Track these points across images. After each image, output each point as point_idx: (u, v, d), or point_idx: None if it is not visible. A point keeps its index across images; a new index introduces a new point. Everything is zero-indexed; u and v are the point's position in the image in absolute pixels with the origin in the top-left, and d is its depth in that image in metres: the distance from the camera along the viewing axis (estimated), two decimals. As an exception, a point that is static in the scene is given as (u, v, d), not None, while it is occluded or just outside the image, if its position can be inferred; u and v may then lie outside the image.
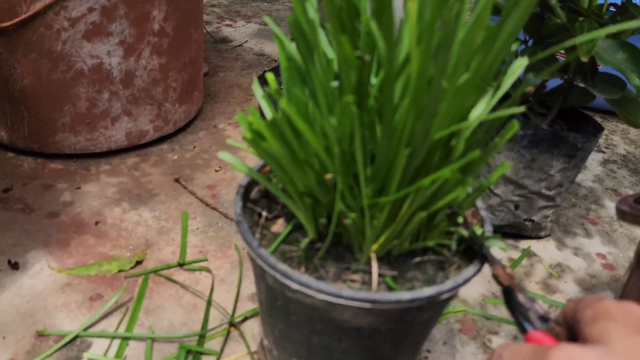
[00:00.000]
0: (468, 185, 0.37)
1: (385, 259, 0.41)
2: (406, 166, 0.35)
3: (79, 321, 0.58)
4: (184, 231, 0.72)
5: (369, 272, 0.40)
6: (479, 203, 0.48)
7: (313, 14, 0.38)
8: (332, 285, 0.37)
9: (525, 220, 0.78)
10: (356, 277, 0.40)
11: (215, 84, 1.16)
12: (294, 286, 0.38)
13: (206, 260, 0.68)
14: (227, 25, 1.53)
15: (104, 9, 0.72)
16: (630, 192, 1.00)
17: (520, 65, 0.39)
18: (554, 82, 0.78)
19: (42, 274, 0.63)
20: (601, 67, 0.72)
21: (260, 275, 0.43)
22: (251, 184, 0.48)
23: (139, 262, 0.66)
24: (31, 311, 0.58)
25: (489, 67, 0.33)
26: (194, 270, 0.66)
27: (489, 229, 0.45)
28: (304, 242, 0.42)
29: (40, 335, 0.56)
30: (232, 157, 0.43)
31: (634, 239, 0.84)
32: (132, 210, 0.75)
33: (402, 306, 0.38)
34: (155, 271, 0.65)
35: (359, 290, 0.38)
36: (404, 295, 0.37)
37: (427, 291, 0.37)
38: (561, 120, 0.80)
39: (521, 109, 0.32)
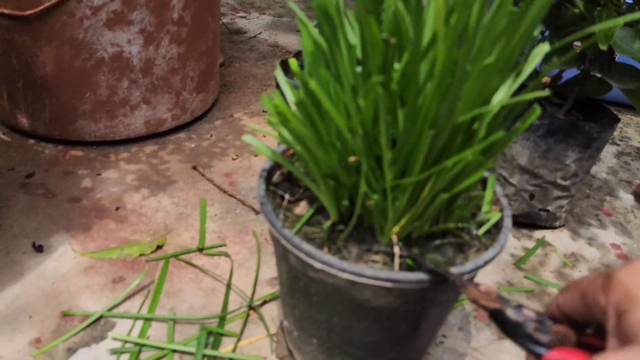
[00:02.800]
0: (488, 167, 0.38)
1: (405, 240, 0.42)
2: (429, 148, 0.35)
3: (102, 302, 0.59)
4: (202, 217, 0.73)
5: (390, 254, 0.41)
6: (498, 189, 0.49)
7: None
8: (354, 265, 0.38)
9: (540, 210, 0.78)
10: (377, 258, 0.41)
11: (231, 75, 1.17)
12: (318, 265, 0.39)
13: (225, 245, 0.69)
14: (241, 17, 1.54)
15: (124, -2, 0.73)
16: (645, 184, 1.00)
17: (541, 51, 0.40)
18: (571, 73, 0.78)
19: (65, 256, 0.65)
20: (618, 57, 0.72)
21: (283, 256, 0.44)
22: (273, 168, 0.49)
23: (159, 247, 0.67)
24: (55, 293, 0.60)
25: (512, 51, 0.34)
26: (212, 255, 0.67)
27: (508, 213, 0.46)
28: (327, 224, 0.43)
29: (65, 315, 0.57)
30: (256, 140, 0.44)
31: (649, 230, 0.85)
32: (151, 196, 0.77)
33: (422, 286, 0.38)
34: (176, 255, 0.66)
35: (380, 270, 0.39)
36: (425, 275, 0.37)
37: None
38: (577, 111, 0.80)
39: (545, 92, 0.32)
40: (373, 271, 0.37)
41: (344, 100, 0.37)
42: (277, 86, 0.76)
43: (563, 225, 0.82)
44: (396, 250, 0.40)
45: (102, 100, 0.80)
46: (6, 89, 0.81)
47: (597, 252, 0.78)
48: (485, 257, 0.40)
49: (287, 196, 0.46)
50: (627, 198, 0.93)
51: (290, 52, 1.32)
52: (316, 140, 0.35)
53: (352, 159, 0.39)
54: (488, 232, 0.45)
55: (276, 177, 0.49)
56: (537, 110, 0.38)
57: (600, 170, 1.01)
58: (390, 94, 0.36)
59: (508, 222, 0.45)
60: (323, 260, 0.38)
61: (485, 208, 0.47)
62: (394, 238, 0.41)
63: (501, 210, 0.47)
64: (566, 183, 0.76)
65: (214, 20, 0.90)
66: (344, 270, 0.38)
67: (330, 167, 0.39)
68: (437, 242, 0.43)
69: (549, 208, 0.78)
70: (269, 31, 1.45)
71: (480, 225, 0.45)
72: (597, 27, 0.34)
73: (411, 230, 0.42)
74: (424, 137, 0.34)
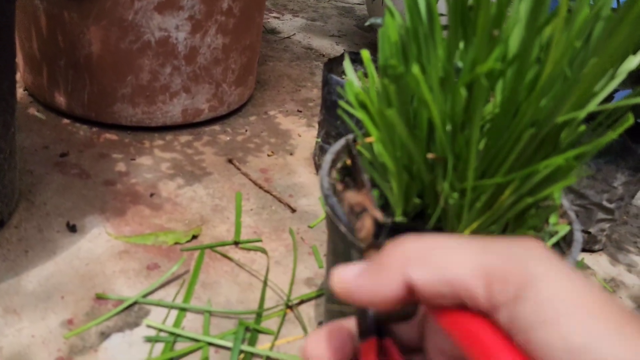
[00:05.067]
0: (576, 174, 0.36)
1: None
2: (523, 149, 0.34)
3: (136, 288, 0.57)
4: (238, 210, 0.71)
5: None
6: (565, 202, 0.47)
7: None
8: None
9: (581, 231, 0.76)
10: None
11: (265, 72, 1.16)
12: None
13: (260, 241, 0.67)
14: (274, 17, 1.53)
15: (177, -17, 0.72)
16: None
17: (633, 61, 0.38)
18: (623, 93, 0.76)
19: (99, 239, 0.63)
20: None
21: (344, 251, 0.42)
22: (334, 162, 0.47)
23: (194, 237, 0.66)
24: (90, 274, 0.58)
25: (622, 54, 0.32)
26: (248, 249, 0.66)
27: (577, 227, 0.44)
28: (397, 216, 0.41)
29: (100, 298, 0.55)
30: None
31: (688, 261, 0.82)
32: (186, 186, 0.75)
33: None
34: (211, 247, 0.64)
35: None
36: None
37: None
38: (625, 133, 0.78)
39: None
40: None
41: (435, 93, 0.35)
42: (325, 83, 0.75)
43: (602, 250, 0.80)
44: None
45: (143, 84, 0.79)
46: (47, 66, 0.80)
47: (637, 279, 0.76)
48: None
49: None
50: (664, 228, 0.91)
51: (324, 55, 1.31)
52: (407, 131, 0.34)
53: (431, 155, 0.37)
54: (554, 245, 0.44)
55: (335, 173, 0.48)
56: (630, 119, 0.36)
57: (636, 197, 0.99)
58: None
59: (579, 235, 0.43)
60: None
61: (553, 219, 0.45)
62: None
63: (569, 223, 0.45)
64: (611, 206, 0.74)
65: (260, 15, 0.89)
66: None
67: (409, 161, 0.37)
68: (508, 250, 0.41)
69: (591, 230, 0.76)
70: (303, 33, 1.44)
71: (550, 236, 0.43)
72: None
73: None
74: (523, 135, 0.32)
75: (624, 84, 0.70)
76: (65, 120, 0.84)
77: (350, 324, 0.23)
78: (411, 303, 0.19)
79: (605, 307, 0.16)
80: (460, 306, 0.17)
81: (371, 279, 0.18)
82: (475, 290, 0.17)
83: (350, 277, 0.19)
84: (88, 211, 0.67)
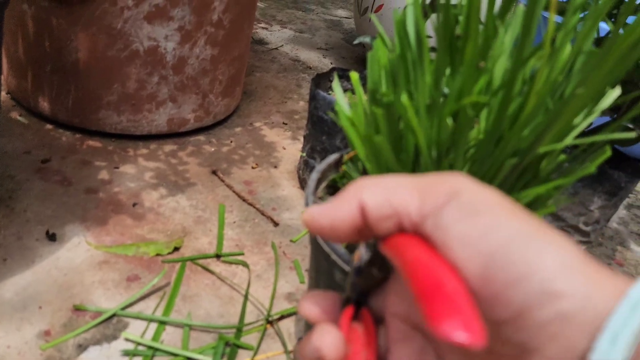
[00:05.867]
0: (560, 203, 0.37)
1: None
2: (506, 177, 0.35)
3: (115, 300, 0.57)
4: (220, 223, 0.71)
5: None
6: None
7: (420, 18, 0.38)
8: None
9: (558, 252, 0.78)
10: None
11: (252, 83, 1.16)
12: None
13: (242, 254, 0.67)
14: (262, 28, 1.54)
15: (168, -7, 0.72)
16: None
17: (613, 95, 0.40)
18: (600, 120, 0.78)
19: (79, 248, 0.62)
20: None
21: (327, 271, 0.42)
22: (320, 180, 0.48)
23: (176, 248, 0.65)
24: (68, 284, 0.57)
25: (604, 86, 0.33)
26: (230, 263, 0.65)
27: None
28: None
29: (77, 309, 0.55)
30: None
31: (660, 284, 0.84)
32: (169, 196, 0.75)
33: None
34: (193, 259, 0.64)
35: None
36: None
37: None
38: (603, 158, 0.80)
39: (633, 134, 0.32)
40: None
41: (421, 119, 0.36)
42: (312, 98, 0.75)
43: (578, 271, 0.82)
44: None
45: (129, 92, 0.79)
46: (32, 71, 0.79)
47: (611, 301, 0.77)
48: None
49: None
50: (638, 250, 0.93)
51: (311, 68, 1.32)
52: (393, 156, 0.34)
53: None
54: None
55: (320, 191, 0.48)
56: (608, 152, 0.37)
57: (611, 220, 1.01)
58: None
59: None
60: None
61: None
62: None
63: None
64: (587, 229, 0.75)
65: (249, 26, 0.89)
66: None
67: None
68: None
69: (568, 252, 0.78)
70: (290, 45, 1.45)
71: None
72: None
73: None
74: (505, 164, 0.33)
75: (601, 112, 0.72)
76: (49, 126, 0.84)
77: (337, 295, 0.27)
78: (364, 234, 0.21)
79: (521, 211, 0.19)
80: (399, 229, 0.20)
81: (332, 206, 0.21)
82: (411, 203, 0.20)
83: (315, 208, 0.22)
84: (68, 219, 0.66)
